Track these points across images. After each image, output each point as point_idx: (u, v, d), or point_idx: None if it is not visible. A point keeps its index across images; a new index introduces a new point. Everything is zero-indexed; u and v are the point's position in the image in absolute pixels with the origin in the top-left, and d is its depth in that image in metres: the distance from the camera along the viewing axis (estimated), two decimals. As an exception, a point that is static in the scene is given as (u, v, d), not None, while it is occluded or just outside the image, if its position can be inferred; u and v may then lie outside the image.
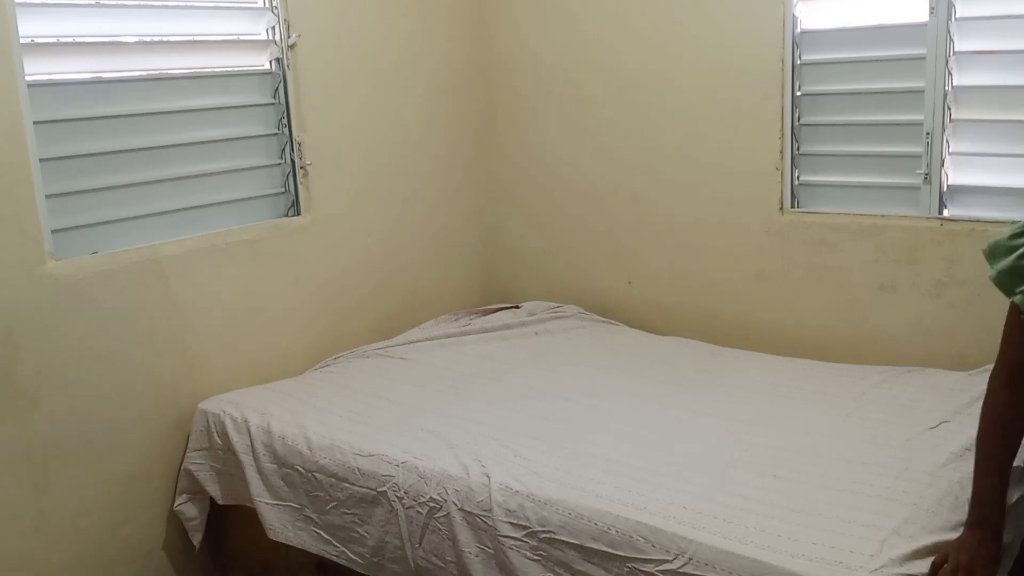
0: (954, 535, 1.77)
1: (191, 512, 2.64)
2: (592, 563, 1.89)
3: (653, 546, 1.82)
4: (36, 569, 2.39)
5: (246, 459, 2.47)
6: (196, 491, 2.63)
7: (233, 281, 2.78)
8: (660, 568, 1.80)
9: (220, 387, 2.72)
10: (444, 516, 2.12)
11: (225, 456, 2.54)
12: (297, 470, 2.38)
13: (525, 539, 1.98)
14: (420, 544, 2.16)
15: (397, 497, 2.20)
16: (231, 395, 2.68)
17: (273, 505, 2.43)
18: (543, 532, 1.96)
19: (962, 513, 1.83)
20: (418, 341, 3.10)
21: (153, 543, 2.66)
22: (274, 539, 2.42)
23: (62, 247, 2.41)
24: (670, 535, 1.82)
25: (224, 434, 2.53)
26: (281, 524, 2.41)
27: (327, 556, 2.34)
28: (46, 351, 2.36)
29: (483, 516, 2.05)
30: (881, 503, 1.88)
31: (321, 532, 2.34)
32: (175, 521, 2.67)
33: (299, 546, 2.38)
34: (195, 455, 2.60)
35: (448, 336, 3.14)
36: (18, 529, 2.35)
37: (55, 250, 2.39)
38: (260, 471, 2.45)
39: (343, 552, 2.31)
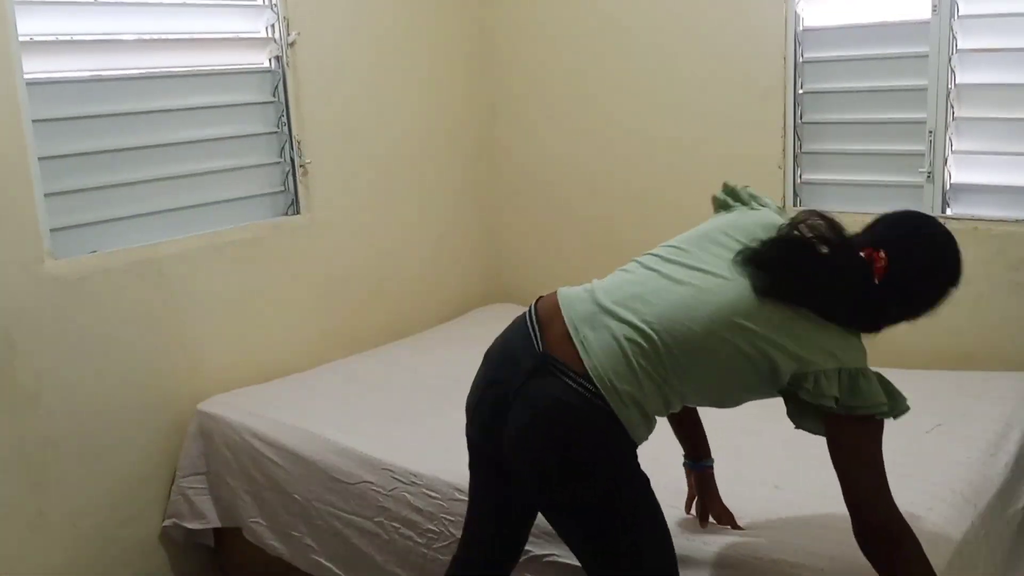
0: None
1: (178, 534, 2.63)
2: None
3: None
4: (35, 569, 2.38)
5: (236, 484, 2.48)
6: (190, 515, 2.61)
7: (232, 280, 2.77)
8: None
9: (219, 386, 2.71)
10: (444, 546, 2.06)
11: (220, 482, 2.54)
12: (295, 498, 2.36)
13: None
14: (420, 569, 2.12)
15: (393, 526, 2.17)
16: (228, 397, 2.67)
17: (268, 527, 2.42)
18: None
19: (956, 516, 1.82)
20: (414, 342, 3.09)
21: (153, 543, 2.65)
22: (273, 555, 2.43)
23: (61, 246, 2.40)
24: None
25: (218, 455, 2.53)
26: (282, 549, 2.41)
27: None
28: (45, 350, 2.35)
29: None
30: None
31: (320, 560, 2.32)
32: (174, 521, 2.67)
33: (300, 567, 2.38)
34: (190, 479, 2.60)
35: (446, 338, 3.12)
36: (17, 529, 2.34)
37: (54, 249, 2.38)
38: (256, 497, 2.45)
39: None
